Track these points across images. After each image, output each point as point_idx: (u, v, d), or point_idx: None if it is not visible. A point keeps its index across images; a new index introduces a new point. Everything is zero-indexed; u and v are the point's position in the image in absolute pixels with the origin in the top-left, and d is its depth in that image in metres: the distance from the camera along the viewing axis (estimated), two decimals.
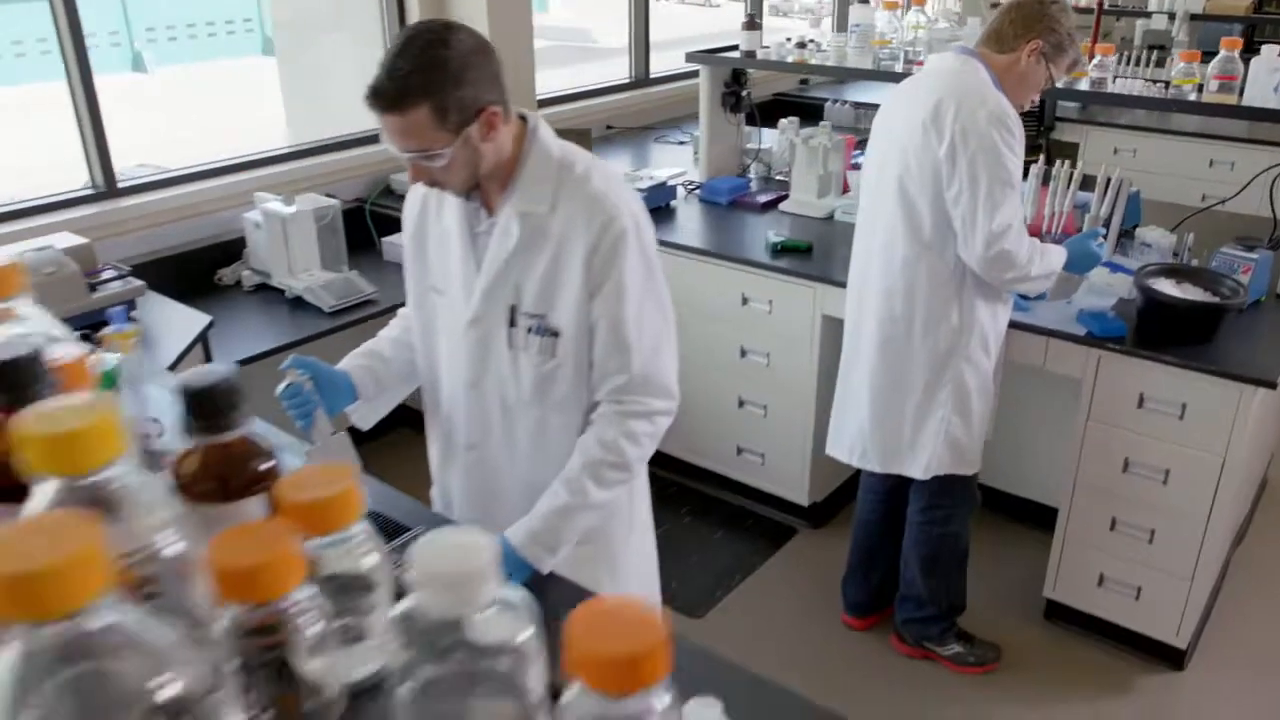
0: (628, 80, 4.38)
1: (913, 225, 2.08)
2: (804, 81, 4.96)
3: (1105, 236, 2.40)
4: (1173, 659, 2.45)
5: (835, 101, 4.42)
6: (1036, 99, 2.20)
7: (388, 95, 1.32)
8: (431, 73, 1.29)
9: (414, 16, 3.48)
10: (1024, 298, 2.32)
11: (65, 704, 0.46)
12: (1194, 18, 4.83)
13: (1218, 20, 4.99)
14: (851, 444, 2.37)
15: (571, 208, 1.45)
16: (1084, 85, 2.60)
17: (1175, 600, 2.36)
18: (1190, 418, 2.20)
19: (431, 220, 1.58)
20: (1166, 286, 2.30)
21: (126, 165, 3.05)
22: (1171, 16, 4.80)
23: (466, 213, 1.52)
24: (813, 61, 3.01)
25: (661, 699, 0.51)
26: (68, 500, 0.56)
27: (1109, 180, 2.60)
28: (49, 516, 0.54)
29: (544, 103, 3.81)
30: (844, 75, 3.26)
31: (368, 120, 1.37)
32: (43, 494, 0.57)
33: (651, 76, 4.45)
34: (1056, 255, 2.10)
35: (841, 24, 4.91)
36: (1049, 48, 2.06)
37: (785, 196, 3.18)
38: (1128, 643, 2.50)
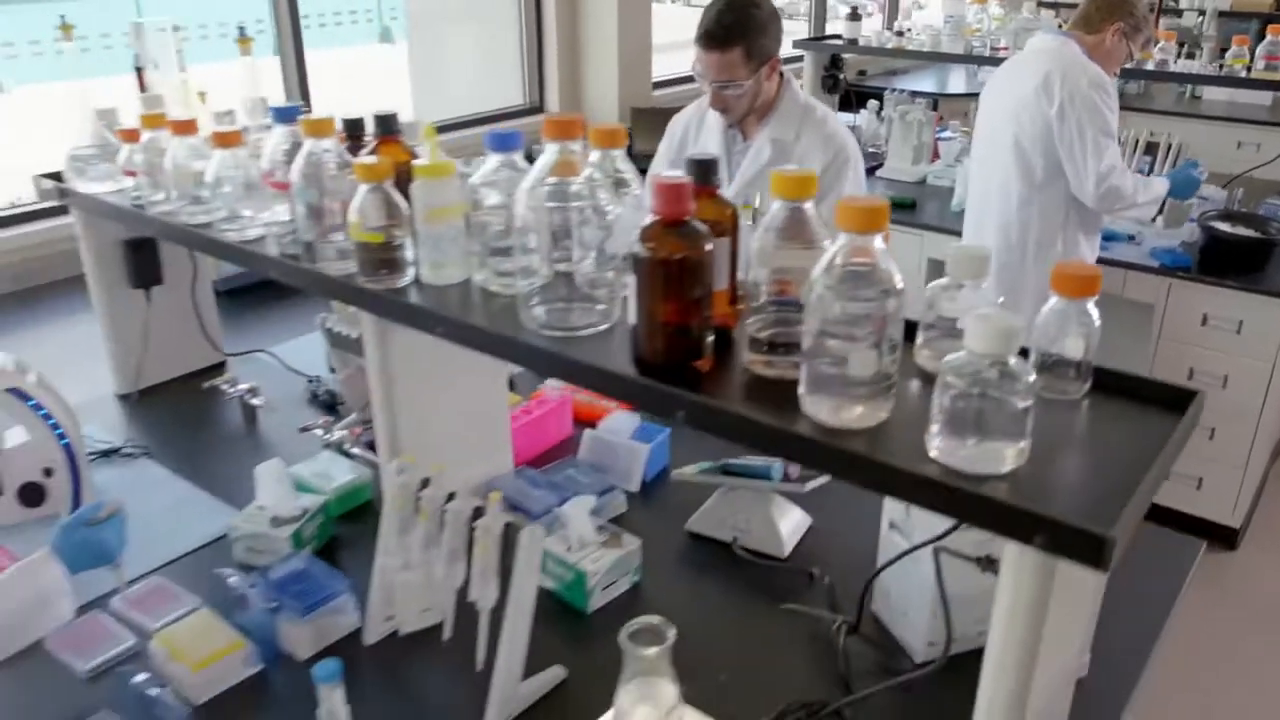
0: None
1: (1026, 172, 2.62)
2: (861, 73, 5.53)
3: (1201, 167, 2.91)
4: (1227, 539, 3.00)
5: (892, 90, 4.97)
6: (1118, 71, 2.75)
7: (717, 37, 1.90)
8: (748, 24, 1.86)
9: (550, 10, 4.02)
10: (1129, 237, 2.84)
11: None
12: (1221, 14, 5.41)
13: (1242, 17, 5.56)
14: None
15: (811, 139, 2.00)
16: (1149, 66, 3.17)
17: (1230, 486, 2.91)
18: (1246, 332, 2.75)
19: (690, 142, 2.14)
20: (1224, 227, 2.85)
21: None
22: (1202, 13, 5.38)
23: (726, 138, 2.08)
24: (909, 48, 3.57)
25: None
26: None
27: (1169, 146, 3.17)
28: None
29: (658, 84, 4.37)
30: (937, 60, 3.82)
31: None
32: None
33: None
34: (1159, 184, 2.65)
35: (889, 22, 5.47)
36: (1129, 28, 2.61)
37: (880, 165, 3.73)
38: (1187, 528, 3.04)
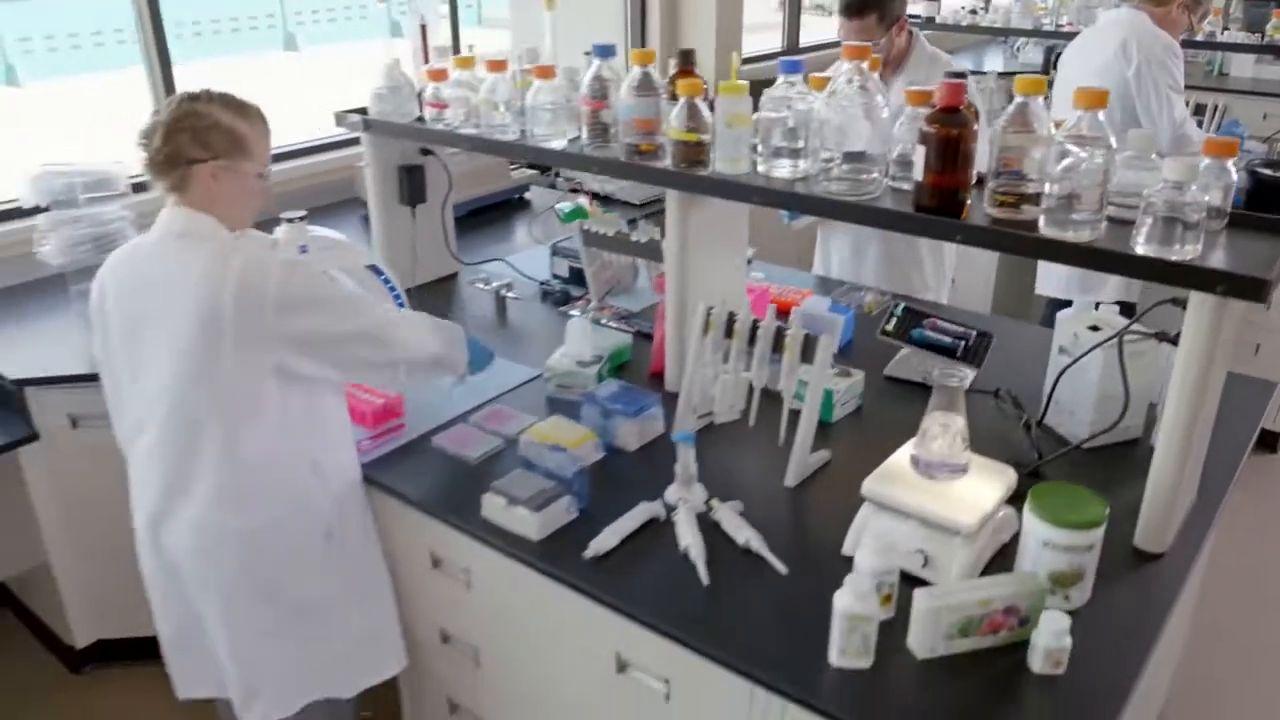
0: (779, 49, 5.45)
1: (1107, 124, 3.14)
2: None
3: (1242, 126, 3.44)
4: (1269, 443, 3.53)
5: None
6: (1179, 39, 3.28)
7: (854, 6, 2.42)
8: None
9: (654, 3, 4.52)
10: None
11: None
12: None
13: (1264, 2, 6.11)
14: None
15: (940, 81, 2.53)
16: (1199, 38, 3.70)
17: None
18: None
19: None
20: (1267, 172, 3.38)
21: None
22: None
23: None
24: (983, 24, 4.10)
25: None
26: None
27: (1214, 109, 3.70)
28: None
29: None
30: (1009, 34, 4.35)
31: None
32: None
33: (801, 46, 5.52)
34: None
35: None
36: (1190, 2, 3.14)
37: None
38: None
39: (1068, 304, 2.97)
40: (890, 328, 2.09)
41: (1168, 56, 3.02)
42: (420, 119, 2.28)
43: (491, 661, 1.78)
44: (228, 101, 1.64)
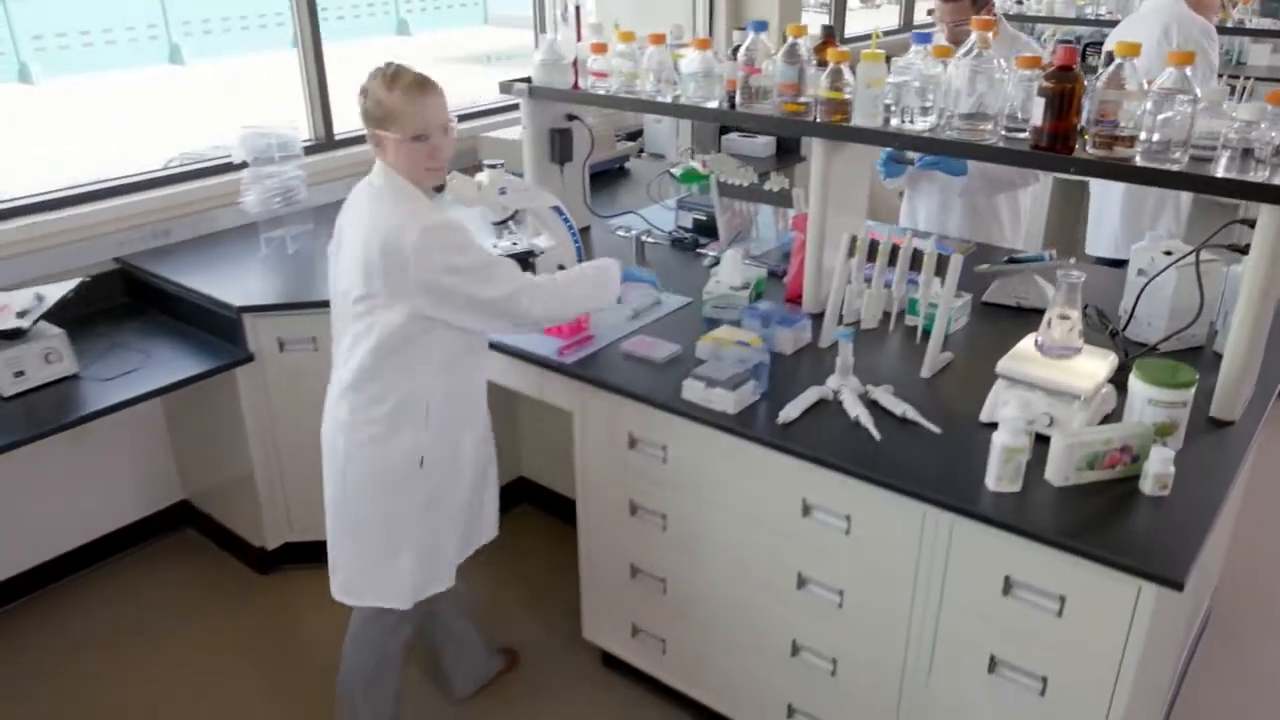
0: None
1: None
2: None
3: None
4: None
5: None
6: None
7: None
8: None
9: None
10: None
11: None
12: None
13: None
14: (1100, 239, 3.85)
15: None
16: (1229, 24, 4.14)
17: None
18: None
19: None
20: None
21: None
22: None
23: None
24: (1029, 14, 4.53)
25: None
26: None
27: (1243, 88, 4.14)
28: None
29: None
30: (1053, 23, 4.79)
31: None
32: None
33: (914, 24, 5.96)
34: None
35: None
36: None
37: None
38: None
39: (1113, 264, 3.40)
40: (989, 263, 2.52)
41: (1204, 39, 3.46)
42: (575, 87, 2.71)
43: (677, 525, 2.20)
44: (386, 74, 1.90)
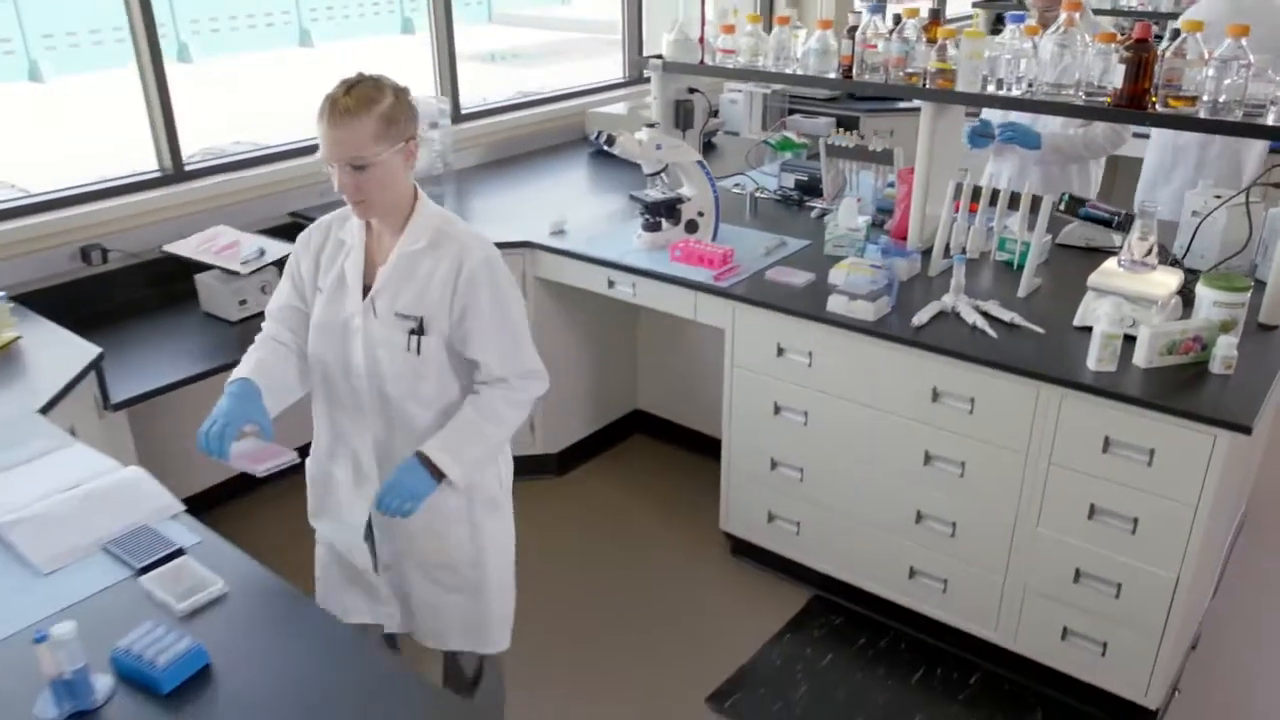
0: None
1: None
2: None
3: None
4: None
5: None
6: None
7: None
8: None
9: None
10: None
11: None
12: None
13: None
14: None
15: None
16: None
17: None
18: None
19: None
20: None
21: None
22: None
23: None
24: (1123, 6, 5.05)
25: None
26: None
27: None
28: None
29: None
30: (1122, 15, 5.31)
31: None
32: None
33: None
34: None
35: None
36: None
37: None
38: None
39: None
40: (1063, 207, 3.02)
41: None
42: (701, 62, 3.20)
43: (817, 420, 2.70)
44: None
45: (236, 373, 1.84)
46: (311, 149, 3.55)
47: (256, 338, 1.97)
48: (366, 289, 1.84)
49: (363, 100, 1.69)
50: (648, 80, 4.82)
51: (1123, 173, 4.60)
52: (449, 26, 3.86)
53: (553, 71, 9.31)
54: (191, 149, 3.39)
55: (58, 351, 2.47)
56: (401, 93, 1.76)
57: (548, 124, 4.21)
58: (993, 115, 3.49)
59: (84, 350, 2.46)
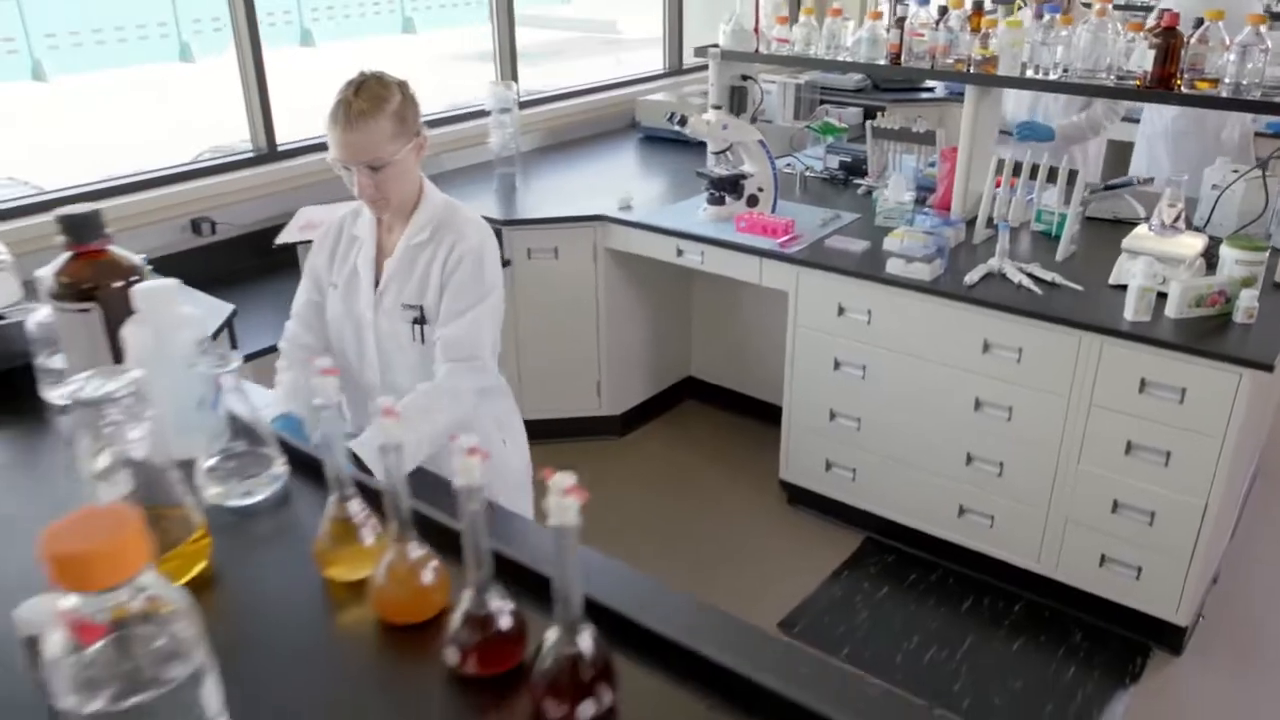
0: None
1: None
2: None
3: None
4: None
5: None
6: None
7: None
8: None
9: None
10: None
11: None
12: None
13: None
14: None
15: None
16: None
17: None
18: None
19: None
20: None
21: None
22: None
23: None
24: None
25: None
26: None
27: None
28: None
29: None
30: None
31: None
32: None
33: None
34: None
35: None
36: None
37: None
38: None
39: None
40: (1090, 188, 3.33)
41: None
42: (756, 51, 3.50)
43: (874, 373, 2.99)
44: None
45: (276, 399, 1.87)
46: None
47: (281, 345, 2.02)
48: (377, 283, 1.92)
49: (374, 100, 1.72)
50: (686, 71, 5.15)
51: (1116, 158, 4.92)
52: (510, 20, 4.15)
53: (547, 70, 9.62)
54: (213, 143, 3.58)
55: (197, 307, 2.75)
56: (405, 87, 1.80)
57: (596, 112, 4.51)
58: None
59: (218, 307, 2.74)
